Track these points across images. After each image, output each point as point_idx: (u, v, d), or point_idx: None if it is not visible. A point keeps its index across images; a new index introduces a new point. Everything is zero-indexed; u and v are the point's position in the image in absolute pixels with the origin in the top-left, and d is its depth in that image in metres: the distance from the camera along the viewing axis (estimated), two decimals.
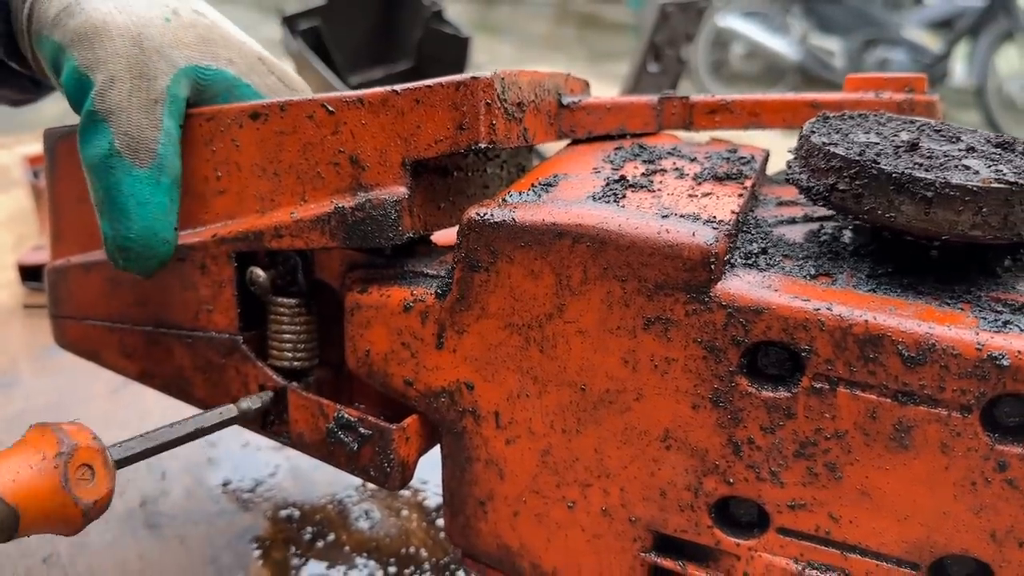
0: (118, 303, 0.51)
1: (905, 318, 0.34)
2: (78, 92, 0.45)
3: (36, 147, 1.30)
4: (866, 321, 0.34)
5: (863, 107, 0.48)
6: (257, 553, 0.60)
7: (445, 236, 0.48)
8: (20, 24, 0.48)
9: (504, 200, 0.40)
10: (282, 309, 0.47)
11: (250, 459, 0.70)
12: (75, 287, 0.53)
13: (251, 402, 0.46)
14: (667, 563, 0.41)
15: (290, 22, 1.19)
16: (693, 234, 0.35)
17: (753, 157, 0.47)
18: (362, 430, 0.44)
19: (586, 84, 0.53)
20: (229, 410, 0.46)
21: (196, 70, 0.46)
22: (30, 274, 0.99)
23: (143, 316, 0.51)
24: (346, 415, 0.45)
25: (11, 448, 0.37)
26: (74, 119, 0.48)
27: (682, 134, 0.52)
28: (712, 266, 0.35)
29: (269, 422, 0.49)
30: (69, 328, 0.55)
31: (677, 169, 0.44)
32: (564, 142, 0.51)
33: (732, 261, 0.37)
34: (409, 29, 1.30)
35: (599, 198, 0.39)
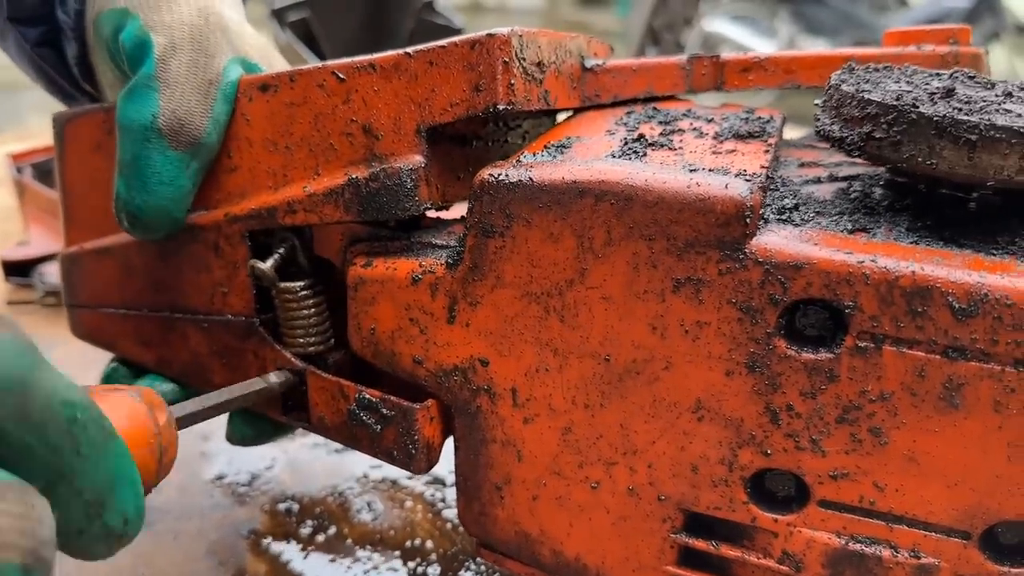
0: (133, 289, 0.49)
1: (954, 268, 0.32)
2: (137, 52, 0.43)
3: (18, 146, 1.28)
4: (913, 272, 0.32)
5: (905, 61, 0.46)
6: (254, 547, 0.58)
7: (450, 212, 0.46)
8: (90, 34, 0.48)
9: (519, 160, 0.37)
10: (287, 295, 0.44)
11: (245, 452, 0.67)
12: (89, 274, 0.51)
13: (279, 376, 0.44)
14: (699, 544, 0.38)
15: (279, 14, 1.16)
16: (726, 186, 0.33)
17: (772, 117, 0.45)
18: (384, 411, 0.42)
19: (610, 48, 0.51)
20: (257, 383, 0.43)
21: (246, 62, 0.45)
22: (14, 270, 0.97)
23: (158, 301, 0.48)
24: (367, 396, 0.42)
25: None
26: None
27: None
28: (747, 220, 0.33)
29: (289, 406, 0.46)
30: (85, 317, 0.52)
31: (695, 129, 0.42)
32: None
33: (766, 216, 0.35)
34: (400, 20, 1.27)
35: (619, 156, 0.37)
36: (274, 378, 0.44)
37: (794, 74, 0.47)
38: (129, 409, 0.33)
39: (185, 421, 0.38)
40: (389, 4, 1.28)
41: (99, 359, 0.54)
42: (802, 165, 0.44)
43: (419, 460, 0.42)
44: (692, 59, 0.47)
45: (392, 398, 0.42)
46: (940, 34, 0.46)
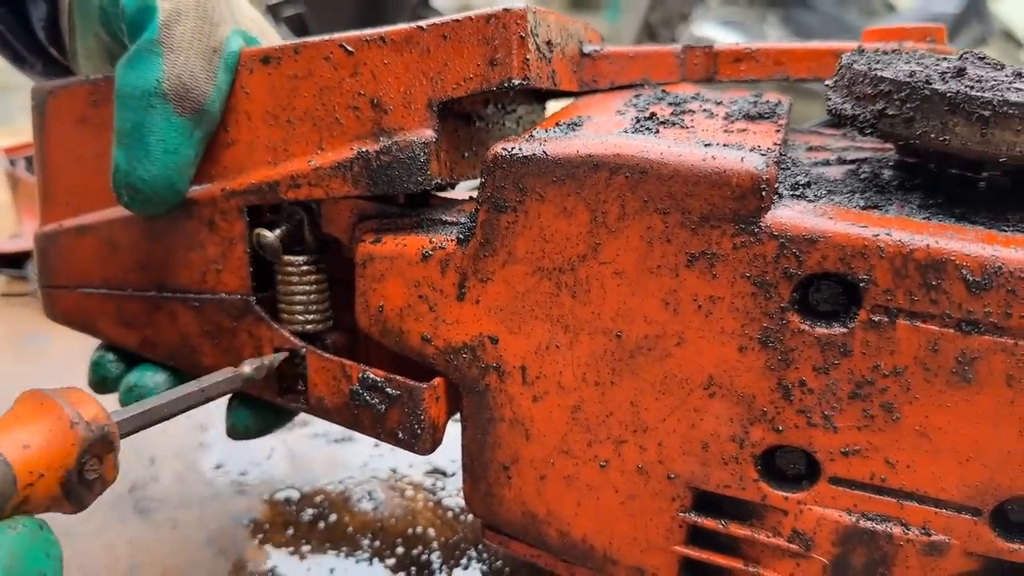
0: (116, 268, 0.48)
1: (968, 241, 0.32)
2: (139, 16, 0.42)
3: (9, 140, 1.27)
4: (928, 245, 0.32)
5: None
6: (254, 536, 0.57)
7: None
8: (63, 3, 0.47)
9: (531, 136, 0.37)
10: (290, 268, 0.44)
11: (244, 442, 0.67)
12: (68, 253, 0.50)
13: (255, 365, 0.43)
14: (708, 523, 0.38)
15: (274, 9, 1.16)
16: (742, 160, 0.33)
17: (780, 101, 0.45)
18: (389, 390, 0.41)
19: (602, 38, 0.51)
20: (229, 373, 0.42)
21: (246, 35, 0.45)
22: (7, 262, 0.97)
23: (144, 280, 0.47)
24: (371, 375, 0.42)
25: (17, 413, 0.33)
26: None
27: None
28: (763, 193, 0.33)
29: (285, 388, 0.46)
30: (61, 299, 0.51)
31: (706, 110, 0.42)
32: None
33: (780, 192, 0.35)
34: (395, 17, 1.28)
35: (632, 133, 0.37)
36: (249, 369, 0.43)
37: (784, 65, 0.47)
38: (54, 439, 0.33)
39: (128, 424, 0.37)
40: (385, 1, 1.28)
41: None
42: (810, 149, 0.44)
43: (424, 440, 0.41)
44: (686, 48, 0.48)
45: (398, 377, 0.42)
46: (918, 32, 0.47)
